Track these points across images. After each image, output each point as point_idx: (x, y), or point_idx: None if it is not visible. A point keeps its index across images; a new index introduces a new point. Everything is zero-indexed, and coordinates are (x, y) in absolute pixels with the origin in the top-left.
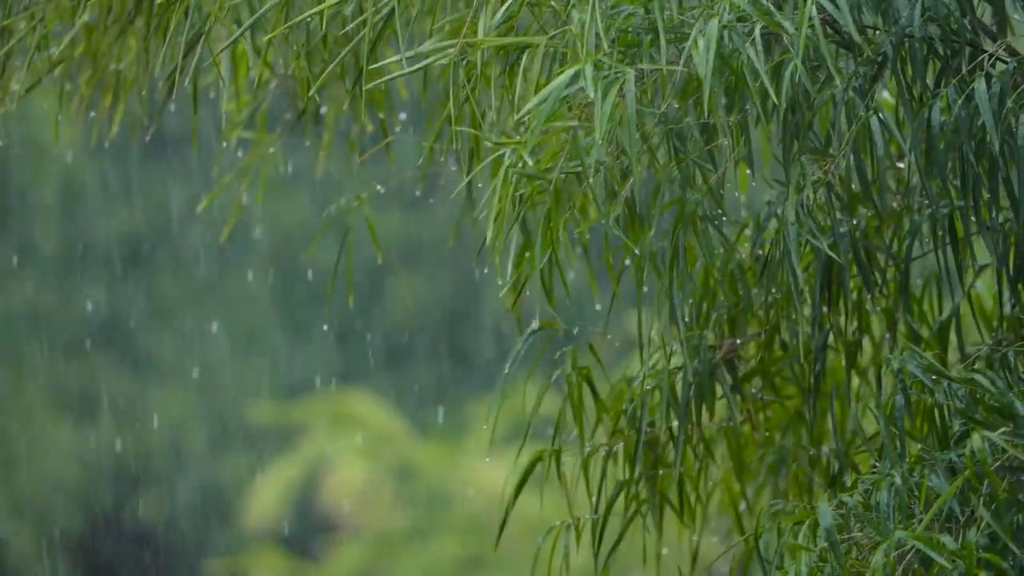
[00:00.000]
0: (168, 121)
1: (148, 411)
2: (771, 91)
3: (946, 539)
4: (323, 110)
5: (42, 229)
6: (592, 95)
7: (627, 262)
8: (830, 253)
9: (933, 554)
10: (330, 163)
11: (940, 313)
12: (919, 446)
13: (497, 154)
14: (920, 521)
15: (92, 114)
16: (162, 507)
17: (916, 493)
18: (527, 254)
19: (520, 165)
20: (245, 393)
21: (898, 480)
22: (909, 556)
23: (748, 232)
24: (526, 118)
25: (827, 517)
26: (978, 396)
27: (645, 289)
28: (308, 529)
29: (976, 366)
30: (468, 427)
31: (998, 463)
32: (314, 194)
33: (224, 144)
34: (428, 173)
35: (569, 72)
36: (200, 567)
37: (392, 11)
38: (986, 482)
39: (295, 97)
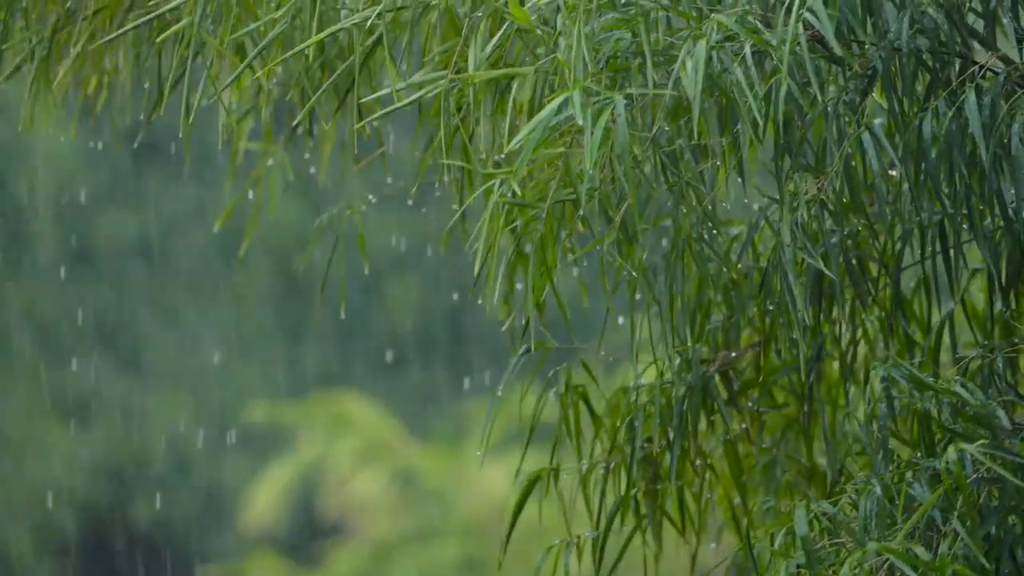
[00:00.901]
0: (166, 123)
1: (146, 414)
2: (758, 116)
3: (919, 550)
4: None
5: (39, 231)
6: (581, 122)
7: (621, 278)
8: (826, 271)
9: (905, 567)
10: (327, 169)
11: (933, 316)
12: (914, 451)
13: (488, 184)
14: (902, 530)
15: (83, 116)
16: (160, 510)
17: (898, 501)
18: (518, 267)
19: (510, 195)
20: (243, 396)
21: (878, 489)
22: (886, 565)
23: (741, 235)
24: (518, 146)
25: (803, 525)
26: (959, 406)
27: (638, 296)
28: (306, 532)
29: (968, 371)
30: (466, 430)
31: (977, 474)
32: (313, 197)
33: (231, 155)
34: (422, 183)
35: (558, 100)
36: (198, 570)
37: (380, 37)
38: (970, 491)
39: (293, 109)
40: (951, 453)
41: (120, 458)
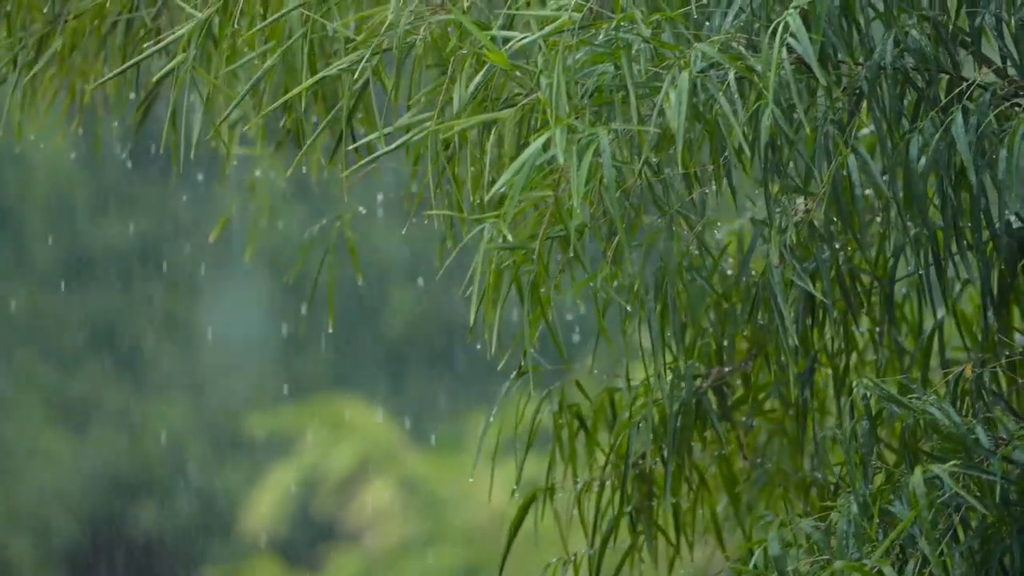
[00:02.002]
0: (160, 130)
1: (146, 421)
2: (744, 145)
3: (887, 569)
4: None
5: (39, 237)
6: (562, 161)
7: (613, 288)
8: (816, 294)
9: None
10: (322, 176)
11: (925, 321)
12: (900, 460)
13: (478, 228)
14: (880, 548)
15: (75, 127)
16: (160, 516)
17: (875, 519)
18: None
19: (499, 239)
20: (243, 402)
21: (855, 507)
22: None
23: (730, 241)
24: (504, 188)
25: (776, 545)
26: (935, 426)
27: (628, 306)
28: (306, 537)
29: (958, 382)
30: (466, 436)
31: (954, 490)
32: (311, 203)
33: (223, 163)
34: (413, 194)
35: (541, 139)
36: (198, 575)
37: (367, 82)
38: (957, 506)
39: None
40: (917, 477)
41: (120, 464)
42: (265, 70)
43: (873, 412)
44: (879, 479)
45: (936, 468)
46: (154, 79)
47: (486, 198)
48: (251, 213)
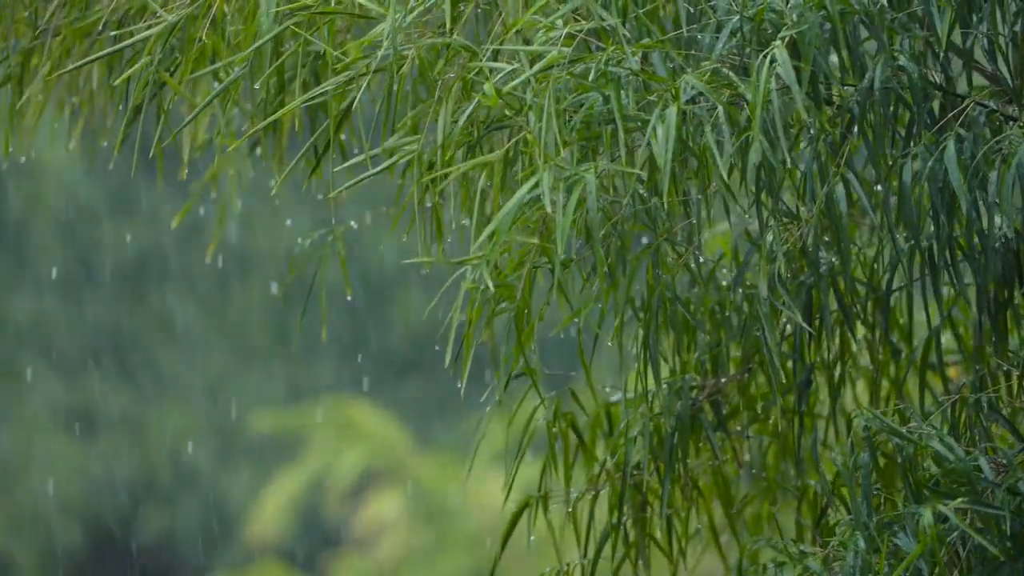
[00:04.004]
0: (155, 137)
1: (151, 426)
2: (725, 180)
3: None
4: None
5: (43, 244)
6: (548, 207)
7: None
8: (803, 325)
9: None
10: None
11: (919, 331)
12: (904, 482)
13: (459, 272)
14: None
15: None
16: (165, 522)
17: (883, 550)
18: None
19: (481, 284)
20: (248, 407)
21: (862, 543)
22: None
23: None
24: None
25: None
26: (938, 461)
27: (609, 340)
28: (312, 543)
29: (956, 401)
30: (471, 440)
31: (962, 526)
32: (315, 208)
33: (186, 165)
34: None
35: (529, 182)
36: None
37: (352, 102)
38: (963, 537)
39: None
40: (927, 516)
41: (126, 470)
42: (232, 80)
43: (872, 439)
44: (876, 501)
45: (943, 508)
46: (116, 81)
47: (473, 247)
48: (216, 209)
